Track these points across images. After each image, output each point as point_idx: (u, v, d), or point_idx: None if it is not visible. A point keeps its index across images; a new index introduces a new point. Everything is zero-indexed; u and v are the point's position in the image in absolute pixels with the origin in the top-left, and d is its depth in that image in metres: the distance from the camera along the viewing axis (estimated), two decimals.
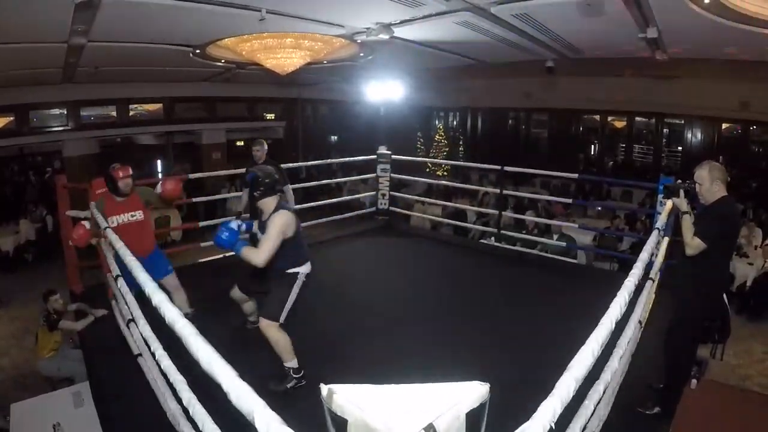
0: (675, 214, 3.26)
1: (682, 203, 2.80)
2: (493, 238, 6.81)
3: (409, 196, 9.08)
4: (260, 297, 3.35)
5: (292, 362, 3.10)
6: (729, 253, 2.78)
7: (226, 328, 3.80)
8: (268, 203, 3.00)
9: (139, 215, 3.60)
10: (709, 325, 2.72)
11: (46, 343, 4.35)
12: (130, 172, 3.54)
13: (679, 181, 2.89)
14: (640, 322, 2.88)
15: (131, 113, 11.91)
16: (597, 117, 13.42)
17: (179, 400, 1.91)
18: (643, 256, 2.62)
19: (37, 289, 7.46)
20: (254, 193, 2.99)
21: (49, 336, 4.33)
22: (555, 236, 6.79)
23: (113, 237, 2.84)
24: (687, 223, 2.72)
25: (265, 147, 4.87)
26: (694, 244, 2.63)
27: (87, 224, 3.77)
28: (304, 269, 3.12)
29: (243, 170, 5.14)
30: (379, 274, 5.36)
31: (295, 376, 3.12)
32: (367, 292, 4.77)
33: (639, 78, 10.67)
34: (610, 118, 13.25)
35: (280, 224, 2.88)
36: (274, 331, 3.01)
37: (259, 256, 2.81)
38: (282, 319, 3.02)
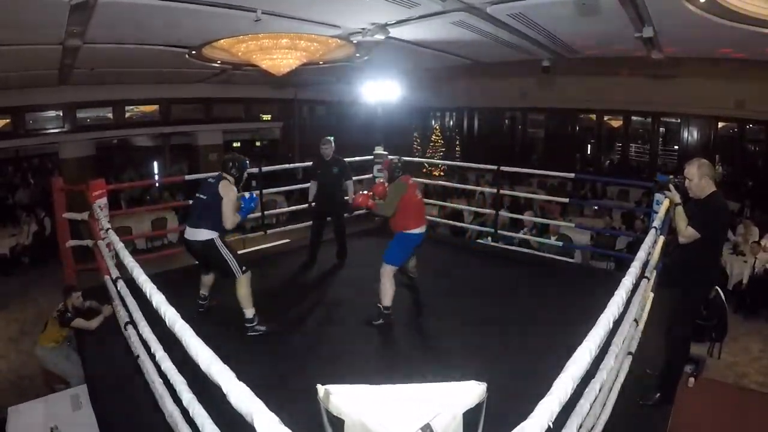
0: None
1: (675, 196, 2.99)
2: (489, 238, 6.81)
3: None
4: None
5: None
6: (722, 242, 3.07)
7: (225, 329, 3.80)
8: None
9: None
10: (705, 324, 2.77)
11: (52, 335, 4.26)
12: None
13: (671, 176, 3.11)
14: (635, 320, 2.89)
15: (127, 115, 11.86)
16: (593, 116, 13.44)
17: (178, 402, 1.91)
18: (640, 254, 2.63)
19: (34, 291, 7.49)
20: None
21: (58, 330, 4.23)
22: (553, 237, 6.81)
23: (114, 237, 2.95)
24: (681, 215, 2.89)
25: (332, 144, 5.42)
26: (687, 233, 2.81)
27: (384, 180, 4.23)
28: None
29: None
30: (377, 274, 5.35)
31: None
32: (364, 293, 4.76)
33: (635, 77, 10.70)
34: (606, 118, 13.28)
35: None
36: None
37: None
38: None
